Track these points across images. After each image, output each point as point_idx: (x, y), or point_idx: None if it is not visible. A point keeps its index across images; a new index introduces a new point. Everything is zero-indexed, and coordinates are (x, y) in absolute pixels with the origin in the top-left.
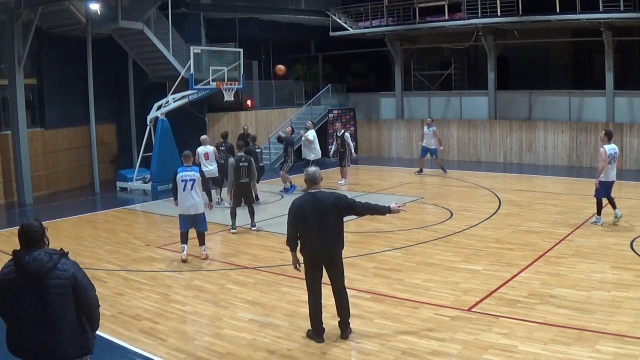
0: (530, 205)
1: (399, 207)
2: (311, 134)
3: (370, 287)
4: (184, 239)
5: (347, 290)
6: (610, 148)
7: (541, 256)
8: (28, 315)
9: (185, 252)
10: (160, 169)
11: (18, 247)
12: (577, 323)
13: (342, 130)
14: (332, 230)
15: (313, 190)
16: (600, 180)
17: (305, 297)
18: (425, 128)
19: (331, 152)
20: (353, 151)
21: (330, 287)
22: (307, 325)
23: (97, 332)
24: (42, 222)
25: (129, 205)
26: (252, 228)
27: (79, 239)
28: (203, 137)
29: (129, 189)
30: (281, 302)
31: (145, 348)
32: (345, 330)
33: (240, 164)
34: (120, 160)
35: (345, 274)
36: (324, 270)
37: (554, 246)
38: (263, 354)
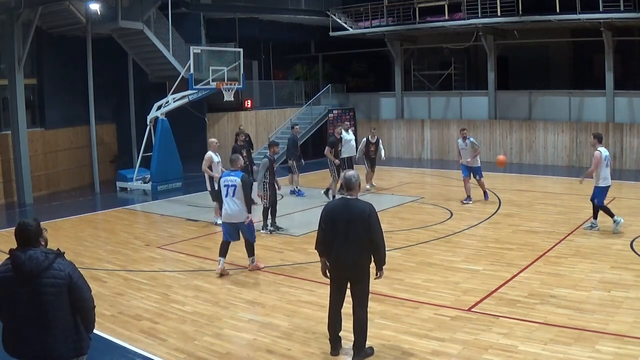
0: (530, 205)
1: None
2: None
3: (370, 287)
4: (223, 251)
5: (367, 313)
6: (604, 151)
7: (541, 256)
8: (22, 314)
9: (221, 266)
10: (160, 169)
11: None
12: (577, 323)
13: (377, 137)
14: (358, 242)
15: (347, 196)
16: (599, 186)
17: (306, 297)
18: (460, 141)
19: (357, 157)
20: (383, 155)
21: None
22: (307, 325)
23: (98, 332)
24: (42, 222)
25: (129, 205)
26: (269, 228)
27: (79, 239)
28: (211, 140)
29: (129, 189)
30: (281, 302)
31: (145, 348)
32: (357, 354)
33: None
34: (120, 160)
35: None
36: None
37: (554, 246)
38: (263, 354)
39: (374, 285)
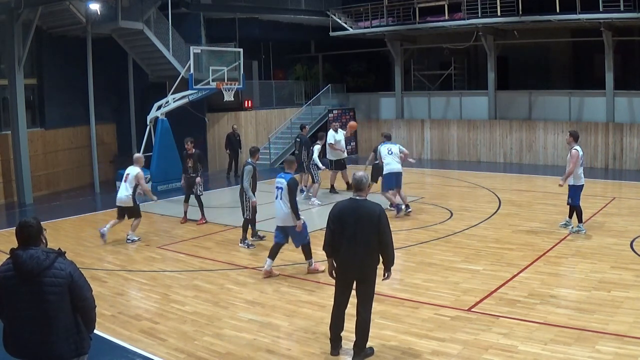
0: (530, 205)
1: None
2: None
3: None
4: (272, 252)
5: (370, 314)
6: (580, 149)
7: (541, 256)
8: (24, 313)
9: (268, 266)
10: (161, 169)
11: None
12: (577, 323)
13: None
14: (367, 243)
15: (356, 197)
16: (575, 185)
17: (306, 297)
18: (384, 148)
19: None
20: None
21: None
22: (307, 325)
23: (97, 332)
24: (42, 222)
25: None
26: (240, 243)
27: (79, 239)
28: (137, 155)
29: None
30: (281, 302)
31: (145, 348)
32: (357, 354)
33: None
34: (120, 160)
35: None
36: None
37: (554, 246)
38: (263, 354)
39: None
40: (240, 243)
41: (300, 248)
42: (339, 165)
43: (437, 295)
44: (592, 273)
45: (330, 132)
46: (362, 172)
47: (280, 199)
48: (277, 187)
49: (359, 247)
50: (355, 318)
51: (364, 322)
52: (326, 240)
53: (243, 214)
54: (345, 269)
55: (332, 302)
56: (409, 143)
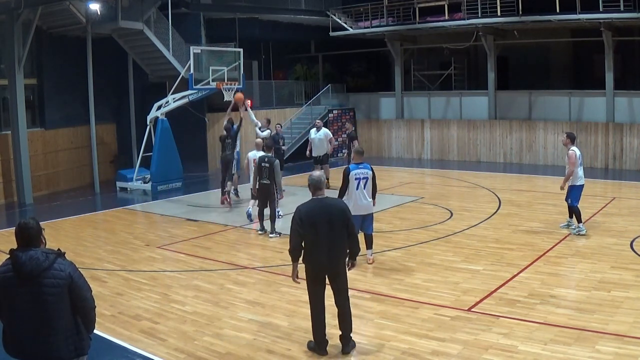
0: (530, 205)
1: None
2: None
3: (370, 287)
4: (369, 243)
5: (349, 302)
6: (577, 150)
7: (541, 256)
8: (23, 314)
9: (370, 254)
10: (160, 169)
11: (16, 247)
12: (577, 323)
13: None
14: (340, 239)
15: (319, 196)
16: (574, 185)
17: (305, 297)
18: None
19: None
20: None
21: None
22: (307, 325)
23: (97, 332)
24: (42, 222)
25: (129, 205)
26: (270, 235)
27: (79, 239)
28: (258, 140)
29: (129, 189)
30: (281, 302)
31: (145, 348)
32: (347, 345)
33: (262, 164)
34: (120, 160)
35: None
36: (326, 281)
37: (554, 246)
38: (263, 354)
39: (374, 285)
40: (271, 234)
41: (364, 237)
42: (316, 161)
43: (437, 295)
44: (592, 273)
45: (313, 130)
46: (318, 172)
47: (364, 188)
48: (362, 178)
49: (334, 244)
50: (338, 313)
51: (348, 313)
52: (294, 245)
53: (266, 206)
54: (319, 269)
55: (320, 305)
56: (409, 143)
